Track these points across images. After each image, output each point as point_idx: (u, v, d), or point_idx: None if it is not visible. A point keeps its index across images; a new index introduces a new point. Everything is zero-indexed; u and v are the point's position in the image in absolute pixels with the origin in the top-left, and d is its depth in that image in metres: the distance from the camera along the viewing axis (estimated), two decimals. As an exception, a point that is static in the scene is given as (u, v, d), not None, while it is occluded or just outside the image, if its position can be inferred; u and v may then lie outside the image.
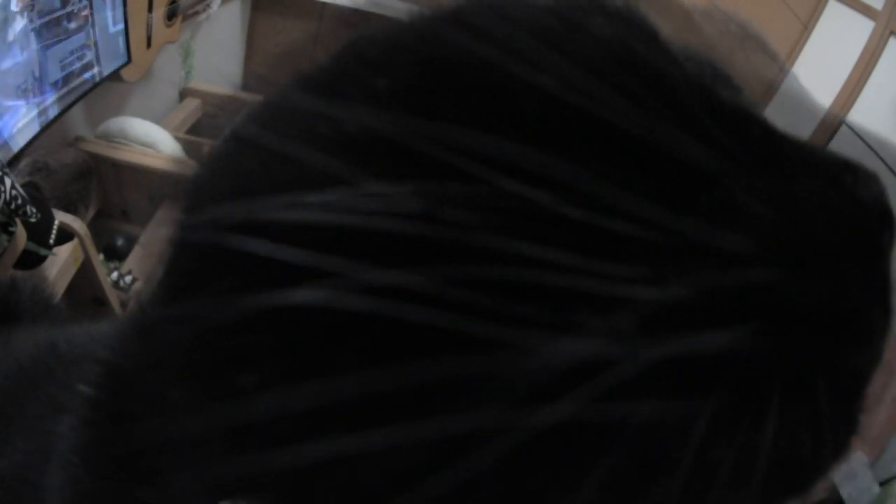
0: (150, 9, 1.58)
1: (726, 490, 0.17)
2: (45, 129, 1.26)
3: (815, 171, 0.19)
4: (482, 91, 0.18)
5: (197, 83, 2.08)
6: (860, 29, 1.67)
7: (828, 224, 0.18)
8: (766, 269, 0.17)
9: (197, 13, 1.92)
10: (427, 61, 0.19)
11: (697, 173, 0.18)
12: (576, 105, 0.18)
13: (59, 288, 1.14)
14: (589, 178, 0.17)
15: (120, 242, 1.61)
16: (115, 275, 1.48)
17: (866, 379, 0.19)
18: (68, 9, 1.23)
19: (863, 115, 1.62)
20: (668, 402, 0.16)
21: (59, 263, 1.15)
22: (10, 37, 1.09)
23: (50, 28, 1.19)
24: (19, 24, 1.10)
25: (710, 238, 0.17)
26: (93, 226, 1.41)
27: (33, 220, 1.00)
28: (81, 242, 1.21)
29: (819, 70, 1.79)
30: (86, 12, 1.30)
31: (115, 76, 1.49)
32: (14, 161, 1.20)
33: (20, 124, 1.17)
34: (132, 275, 1.50)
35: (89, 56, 1.35)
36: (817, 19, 1.84)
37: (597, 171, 0.17)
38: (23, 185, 1.02)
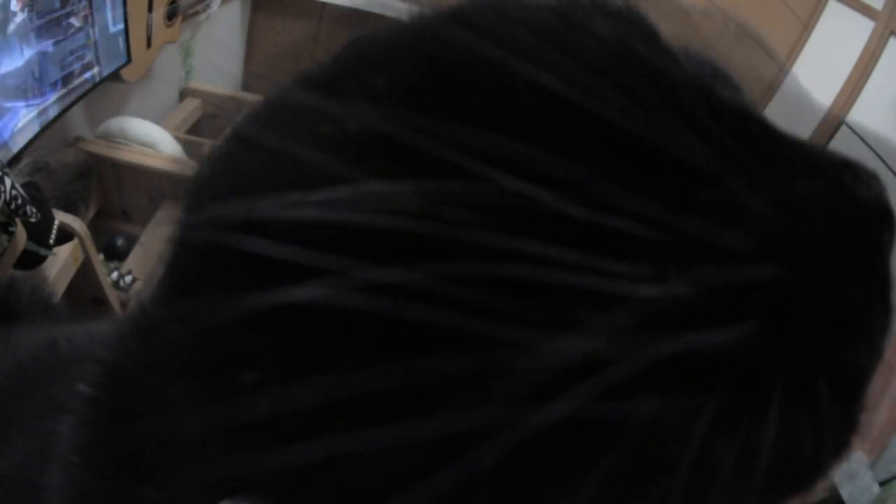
0: (150, 9, 1.57)
1: (727, 489, 0.17)
2: (45, 129, 1.26)
3: (816, 171, 0.19)
4: (483, 90, 0.18)
5: (197, 83, 2.08)
6: (860, 29, 1.67)
7: (828, 223, 0.18)
8: (766, 268, 0.17)
9: (197, 13, 1.91)
10: (428, 60, 0.19)
11: (698, 172, 0.18)
12: (577, 104, 0.18)
13: (59, 288, 1.14)
14: (590, 176, 0.17)
15: (120, 242, 1.61)
16: (115, 275, 1.48)
17: (867, 378, 0.19)
18: (68, 9, 1.23)
19: (863, 114, 1.62)
20: (669, 401, 0.16)
21: (59, 263, 1.15)
22: (10, 37, 1.09)
23: (50, 28, 1.19)
24: (19, 24, 1.10)
25: (711, 236, 0.17)
26: (93, 226, 1.41)
27: (33, 220, 1.00)
28: (81, 242, 1.21)
29: (819, 70, 1.79)
30: (86, 12, 1.30)
31: (115, 76, 1.49)
32: (14, 161, 1.20)
33: (20, 124, 1.17)
34: (132, 275, 1.50)
35: (89, 56, 1.35)
36: (817, 19, 1.83)
37: (598, 169, 0.17)
38: (23, 185, 1.02)
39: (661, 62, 0.20)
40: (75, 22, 1.27)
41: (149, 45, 1.62)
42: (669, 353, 0.16)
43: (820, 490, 0.20)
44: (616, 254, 0.16)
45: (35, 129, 1.23)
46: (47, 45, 1.20)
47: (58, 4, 1.20)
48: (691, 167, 0.18)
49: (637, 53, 0.19)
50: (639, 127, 0.18)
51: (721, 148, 0.18)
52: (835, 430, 0.18)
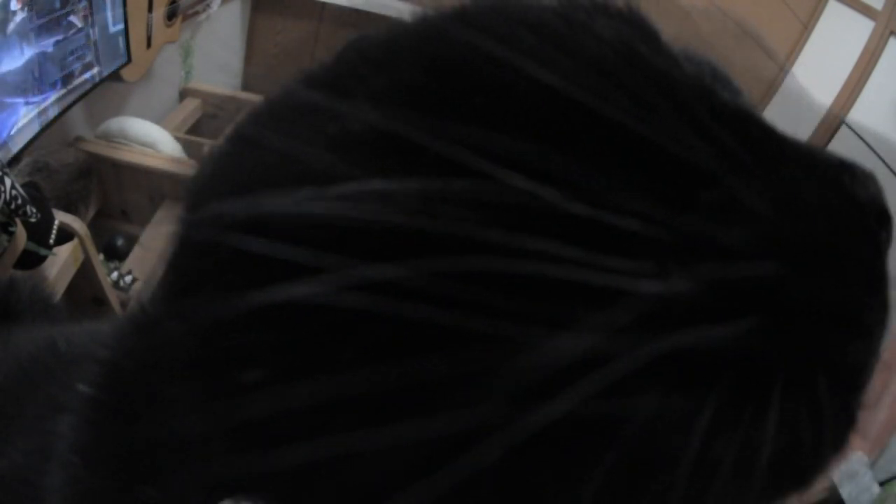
0: (150, 9, 1.57)
1: (727, 486, 0.17)
2: (45, 129, 1.26)
3: (814, 171, 0.19)
4: (485, 89, 0.18)
5: (197, 83, 2.08)
6: (860, 29, 1.68)
7: (827, 222, 0.18)
8: (766, 266, 0.17)
9: (197, 13, 1.91)
10: (431, 59, 0.19)
11: (698, 171, 0.18)
12: (579, 103, 0.18)
13: (59, 288, 1.14)
14: (592, 174, 0.17)
15: (120, 242, 1.61)
16: (115, 275, 1.48)
17: (866, 375, 0.19)
18: (68, 9, 1.23)
19: (863, 114, 1.62)
20: (669, 398, 0.16)
21: (59, 263, 1.15)
22: (10, 36, 1.09)
23: (50, 28, 1.19)
24: (19, 23, 1.10)
25: (712, 234, 0.17)
26: (93, 226, 1.41)
27: (33, 220, 1.00)
28: (81, 242, 1.21)
29: (819, 70, 1.79)
30: (86, 12, 1.30)
31: (115, 76, 1.49)
32: (14, 161, 1.19)
33: (20, 124, 1.17)
34: (132, 275, 1.50)
35: (89, 56, 1.35)
36: (817, 19, 1.84)
37: (600, 168, 0.17)
38: (23, 185, 1.02)
39: (662, 63, 0.20)
40: (75, 22, 1.27)
41: (149, 45, 1.62)
42: (669, 350, 0.16)
43: (820, 489, 0.20)
44: (617, 251, 0.16)
45: (35, 128, 1.23)
46: (47, 44, 1.20)
47: (58, 4, 1.20)
48: (692, 166, 0.18)
49: (638, 54, 0.19)
50: (640, 126, 0.18)
51: (721, 148, 0.18)
52: (834, 427, 0.18)
